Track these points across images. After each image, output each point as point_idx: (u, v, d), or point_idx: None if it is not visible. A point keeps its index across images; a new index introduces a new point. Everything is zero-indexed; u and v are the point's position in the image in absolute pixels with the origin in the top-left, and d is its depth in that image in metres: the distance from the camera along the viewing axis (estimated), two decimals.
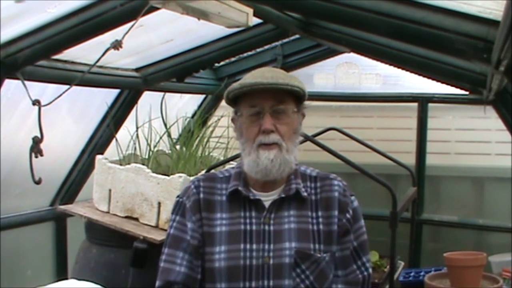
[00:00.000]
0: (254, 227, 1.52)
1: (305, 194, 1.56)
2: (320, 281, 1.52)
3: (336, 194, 1.57)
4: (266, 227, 1.52)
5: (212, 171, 2.35)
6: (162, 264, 1.57)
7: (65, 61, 2.39)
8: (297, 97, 1.54)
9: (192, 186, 1.60)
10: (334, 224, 1.55)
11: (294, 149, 1.54)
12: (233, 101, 1.57)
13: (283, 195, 1.54)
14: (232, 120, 1.61)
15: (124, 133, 2.74)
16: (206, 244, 1.53)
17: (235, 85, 1.52)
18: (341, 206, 1.56)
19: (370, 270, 1.62)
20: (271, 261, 1.49)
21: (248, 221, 1.53)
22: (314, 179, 1.61)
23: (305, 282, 1.50)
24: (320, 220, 1.55)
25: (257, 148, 1.50)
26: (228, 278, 1.50)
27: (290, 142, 1.52)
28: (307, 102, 1.60)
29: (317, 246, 1.53)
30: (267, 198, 1.55)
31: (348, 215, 1.57)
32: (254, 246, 1.50)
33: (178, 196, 1.64)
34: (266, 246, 1.50)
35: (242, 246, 1.51)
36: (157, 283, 1.56)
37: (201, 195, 1.57)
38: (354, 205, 1.60)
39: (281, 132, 1.50)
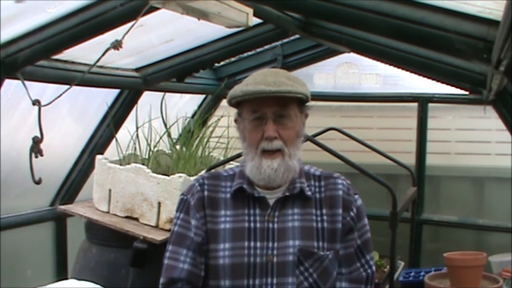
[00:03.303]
0: (258, 225, 1.53)
1: (309, 193, 1.57)
2: (324, 278, 1.53)
3: (340, 192, 1.58)
4: (270, 225, 1.53)
5: (213, 170, 2.35)
6: (166, 261, 1.57)
7: (65, 61, 2.39)
8: (300, 100, 1.54)
9: (197, 184, 1.61)
10: (338, 222, 1.55)
11: (297, 152, 1.55)
12: (236, 104, 1.57)
13: (287, 194, 1.55)
14: (235, 121, 1.61)
15: (124, 133, 2.74)
16: (210, 241, 1.54)
17: (237, 90, 1.50)
18: (345, 204, 1.57)
19: (374, 268, 1.63)
20: (275, 259, 1.50)
21: (252, 218, 1.54)
22: (318, 178, 1.62)
23: (309, 279, 1.51)
24: (325, 218, 1.56)
25: (261, 155, 1.50)
26: (232, 275, 1.50)
27: (293, 146, 1.53)
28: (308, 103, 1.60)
29: (320, 244, 1.53)
30: (272, 196, 1.56)
31: (352, 213, 1.58)
32: (258, 244, 1.51)
33: (182, 194, 1.64)
34: (270, 244, 1.51)
35: (246, 243, 1.51)
36: (161, 280, 1.57)
37: (205, 193, 1.58)
38: (358, 204, 1.61)
39: (284, 137, 1.50)
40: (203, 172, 2.43)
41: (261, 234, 1.52)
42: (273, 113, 1.49)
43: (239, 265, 1.50)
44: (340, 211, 1.56)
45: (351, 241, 1.58)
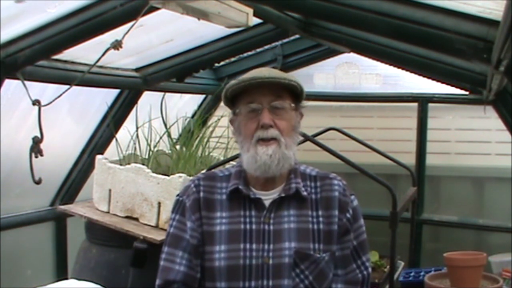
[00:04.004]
0: (254, 227, 1.52)
1: (305, 193, 1.56)
2: (320, 280, 1.52)
3: (336, 193, 1.57)
4: (266, 227, 1.52)
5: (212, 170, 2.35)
6: (162, 263, 1.57)
7: (65, 61, 2.39)
8: (295, 94, 1.55)
9: (192, 185, 1.60)
10: (334, 224, 1.55)
11: (293, 146, 1.54)
12: (231, 101, 1.57)
13: (283, 195, 1.54)
14: (231, 121, 1.60)
15: (124, 133, 2.74)
16: (206, 243, 1.54)
17: (232, 82, 1.52)
18: (341, 205, 1.56)
19: (370, 269, 1.62)
20: (271, 261, 1.49)
21: (248, 220, 1.53)
22: (314, 178, 1.61)
23: (305, 282, 1.50)
24: (321, 219, 1.55)
25: (256, 144, 1.49)
26: (228, 277, 1.50)
27: (289, 138, 1.52)
28: (306, 102, 1.60)
29: (316, 245, 1.53)
30: (267, 197, 1.55)
31: (348, 215, 1.57)
32: (254, 246, 1.51)
33: (178, 195, 1.64)
34: (266, 246, 1.51)
35: (242, 245, 1.51)
36: (157, 282, 1.56)
37: (201, 194, 1.57)
38: (354, 205, 1.60)
39: (280, 127, 1.50)
40: (203, 172, 2.43)
41: (257, 236, 1.51)
42: (268, 102, 1.49)
43: (235, 267, 1.50)
44: (336, 212, 1.55)
45: (347, 242, 1.57)
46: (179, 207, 1.60)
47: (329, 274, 1.55)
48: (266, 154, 1.48)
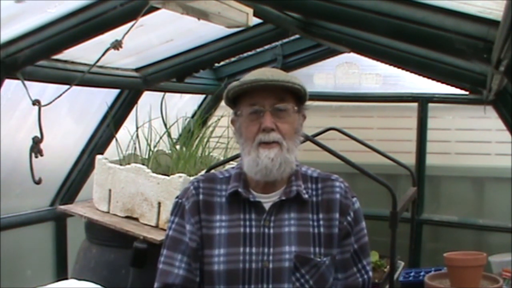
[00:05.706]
0: (253, 230, 1.51)
1: (306, 196, 1.54)
2: (320, 285, 1.51)
3: (338, 196, 1.55)
4: (266, 230, 1.50)
5: (212, 171, 2.35)
6: (160, 266, 1.56)
7: (65, 61, 2.39)
8: (297, 96, 1.53)
9: (192, 187, 1.58)
10: (335, 227, 1.53)
11: (295, 149, 1.52)
12: (233, 102, 1.55)
13: (283, 198, 1.52)
14: (232, 121, 1.58)
15: (124, 133, 2.74)
16: (205, 247, 1.52)
17: (235, 83, 1.50)
18: (342, 208, 1.54)
19: (371, 273, 1.60)
20: (271, 265, 1.48)
21: (247, 223, 1.52)
22: (315, 180, 1.59)
23: (305, 286, 1.49)
24: (321, 222, 1.53)
25: (257, 146, 1.47)
26: (227, 281, 1.48)
27: (291, 141, 1.50)
28: (307, 103, 1.59)
29: (317, 249, 1.51)
30: (268, 200, 1.53)
31: (349, 218, 1.55)
32: (254, 250, 1.49)
33: (177, 197, 1.62)
34: (266, 250, 1.49)
35: (241, 249, 1.49)
36: (156, 285, 1.55)
37: (201, 197, 1.56)
38: (355, 207, 1.57)
39: (282, 131, 1.48)
40: (202, 172, 2.43)
41: (257, 240, 1.50)
42: (271, 105, 1.47)
43: (234, 271, 1.48)
44: (337, 215, 1.53)
45: (348, 246, 1.55)
46: (178, 209, 1.58)
47: (329, 278, 1.53)
48: (268, 158, 1.46)
